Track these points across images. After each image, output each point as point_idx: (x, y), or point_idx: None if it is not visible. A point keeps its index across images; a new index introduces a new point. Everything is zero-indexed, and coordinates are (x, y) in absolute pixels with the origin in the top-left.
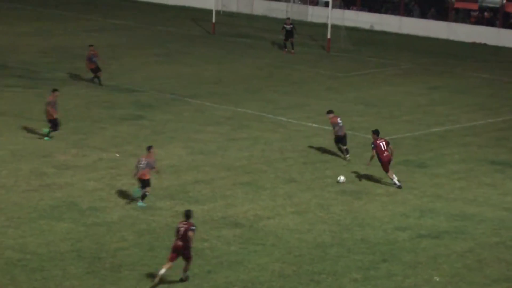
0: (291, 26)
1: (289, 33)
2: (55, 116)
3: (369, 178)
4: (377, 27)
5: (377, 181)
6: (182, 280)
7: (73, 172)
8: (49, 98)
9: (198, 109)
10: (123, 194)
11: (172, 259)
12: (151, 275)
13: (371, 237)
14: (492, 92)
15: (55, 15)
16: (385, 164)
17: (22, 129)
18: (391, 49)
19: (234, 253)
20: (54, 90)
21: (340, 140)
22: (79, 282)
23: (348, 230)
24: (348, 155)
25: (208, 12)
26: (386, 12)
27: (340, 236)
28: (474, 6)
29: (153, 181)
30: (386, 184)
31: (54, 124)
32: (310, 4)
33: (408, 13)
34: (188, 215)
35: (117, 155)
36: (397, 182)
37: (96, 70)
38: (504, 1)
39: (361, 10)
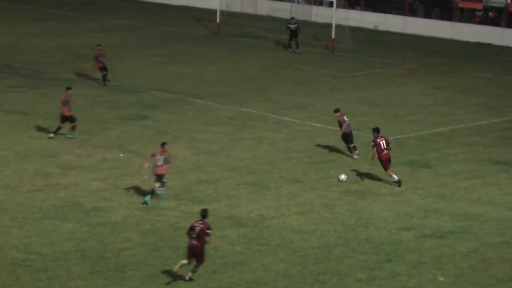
0: (296, 25)
1: (293, 33)
2: (66, 113)
3: (373, 178)
4: (382, 27)
5: (382, 181)
6: (187, 280)
7: (77, 172)
8: (62, 96)
9: (202, 109)
10: (127, 194)
11: (189, 259)
12: (156, 275)
13: (376, 237)
14: (497, 92)
15: (58, 15)
16: (384, 163)
17: (26, 129)
18: (395, 49)
19: (238, 253)
20: (68, 88)
21: (346, 137)
22: (84, 282)
23: (353, 230)
24: (356, 151)
25: (212, 12)
26: (390, 12)
27: (344, 236)
28: (479, 6)
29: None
30: (390, 184)
31: (69, 121)
32: (314, 4)
33: (412, 13)
34: (204, 214)
35: (121, 155)
36: (395, 177)
37: (102, 69)
38: (509, 1)
39: (365, 10)
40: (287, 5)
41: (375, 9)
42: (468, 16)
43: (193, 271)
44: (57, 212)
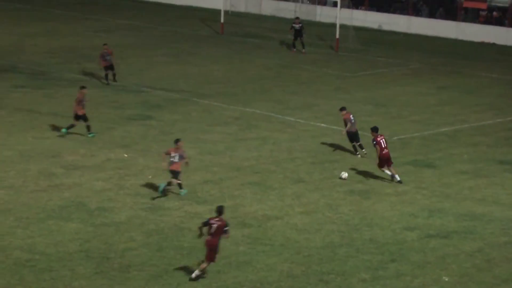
0: (300, 25)
1: (298, 33)
2: (80, 113)
3: (377, 178)
4: (386, 27)
5: (386, 181)
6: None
7: (81, 172)
8: (77, 95)
9: (206, 109)
10: (131, 194)
11: (210, 259)
12: (160, 275)
13: (380, 237)
14: (501, 91)
15: (63, 16)
16: (386, 161)
17: (30, 129)
18: (399, 49)
19: (242, 253)
20: (82, 87)
21: (352, 136)
22: (88, 282)
23: (357, 230)
24: (364, 150)
25: (217, 12)
26: (394, 12)
27: (348, 236)
28: (483, 6)
29: (161, 182)
30: (394, 184)
31: (82, 120)
32: (318, 4)
33: (416, 12)
34: (220, 211)
35: (126, 155)
36: (388, 172)
37: (107, 68)
38: None
39: (369, 9)
40: (291, 5)
41: (379, 9)
42: (472, 16)
43: (201, 268)
44: (61, 212)
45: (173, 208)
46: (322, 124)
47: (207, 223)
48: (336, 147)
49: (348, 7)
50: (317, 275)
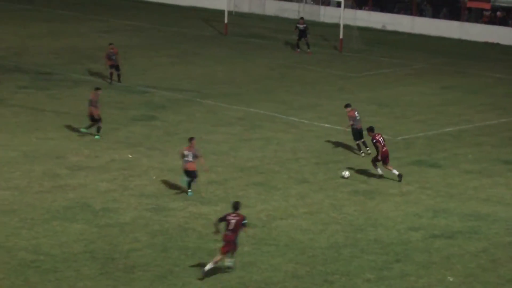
0: (304, 26)
1: (302, 33)
2: (95, 114)
3: (381, 178)
4: (390, 27)
5: (390, 181)
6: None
7: (85, 173)
8: (91, 96)
9: (210, 110)
10: (135, 195)
11: (225, 252)
12: (164, 276)
13: (384, 237)
14: (505, 91)
15: (67, 16)
16: (385, 158)
17: (35, 130)
18: (403, 49)
19: (247, 254)
20: (97, 88)
21: (357, 133)
22: (93, 283)
23: (361, 230)
24: (368, 148)
25: (220, 12)
26: (398, 12)
27: (353, 236)
28: (487, 6)
29: (165, 182)
30: (399, 184)
31: (95, 121)
32: (322, 5)
33: (420, 13)
34: (236, 206)
35: (130, 156)
36: (396, 172)
37: (112, 67)
38: None
39: (373, 10)
40: (295, 5)
41: (383, 9)
42: (476, 16)
43: (215, 262)
44: (66, 213)
45: (177, 209)
46: (326, 125)
47: (223, 219)
48: (340, 147)
49: (352, 7)
50: (322, 276)
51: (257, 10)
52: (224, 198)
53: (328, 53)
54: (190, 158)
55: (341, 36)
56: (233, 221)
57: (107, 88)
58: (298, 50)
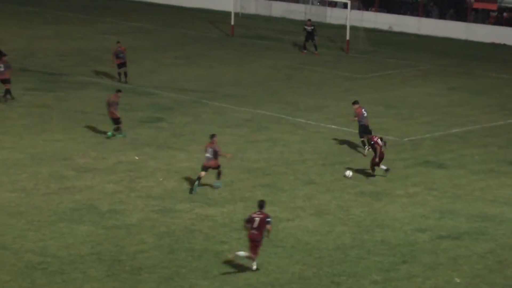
0: (312, 28)
1: (309, 35)
2: (115, 116)
3: (388, 179)
4: (396, 28)
5: (397, 182)
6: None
7: (92, 175)
8: (112, 98)
9: (217, 111)
10: (142, 196)
11: (255, 253)
12: (171, 278)
13: (391, 238)
14: None
15: (73, 19)
16: (381, 160)
17: (42, 132)
18: (410, 50)
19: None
20: (118, 91)
21: (364, 130)
22: (99, 285)
23: (368, 231)
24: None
25: (227, 14)
26: (404, 13)
27: (360, 237)
28: (493, 7)
29: (172, 184)
30: (406, 185)
31: (117, 122)
32: (328, 6)
33: (426, 14)
34: (261, 205)
35: (136, 157)
36: (384, 167)
37: (121, 65)
38: None
39: (379, 11)
40: (301, 6)
41: (389, 10)
42: (482, 17)
43: (253, 259)
44: (73, 215)
45: (184, 210)
46: (333, 126)
47: (250, 219)
48: (347, 148)
49: (358, 8)
50: (329, 277)
51: (263, 11)
52: (231, 199)
53: (334, 54)
54: (209, 155)
55: (347, 37)
56: (257, 219)
57: (114, 90)
58: (305, 51)
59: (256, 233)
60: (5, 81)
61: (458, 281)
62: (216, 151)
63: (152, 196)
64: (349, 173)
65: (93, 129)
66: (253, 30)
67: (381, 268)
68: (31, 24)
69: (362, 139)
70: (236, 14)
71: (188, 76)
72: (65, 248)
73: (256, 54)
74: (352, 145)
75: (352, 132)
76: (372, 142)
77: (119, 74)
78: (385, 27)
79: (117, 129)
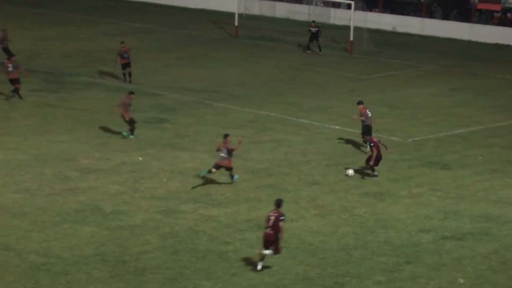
0: (317, 29)
1: (314, 36)
2: (127, 117)
3: (392, 180)
4: (400, 29)
5: (400, 183)
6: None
7: (96, 175)
8: (124, 99)
9: (220, 112)
10: (146, 197)
11: (266, 247)
12: (175, 278)
13: (395, 239)
14: None
15: (77, 20)
16: (377, 163)
17: (45, 133)
18: (413, 51)
19: (258, 256)
20: (131, 92)
21: (368, 130)
22: (103, 285)
23: (372, 232)
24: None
25: (231, 15)
26: (408, 14)
27: (363, 238)
28: (497, 7)
29: (175, 184)
30: (409, 185)
31: (131, 123)
32: (332, 7)
33: (430, 14)
34: (278, 203)
35: (140, 158)
36: (376, 173)
37: (125, 66)
38: None
39: (383, 12)
40: (305, 7)
41: (393, 11)
42: (486, 18)
43: (275, 252)
44: (77, 216)
45: (188, 211)
46: (337, 127)
47: (266, 218)
48: (350, 149)
49: (362, 9)
50: (333, 278)
51: (267, 12)
52: (235, 200)
53: (338, 55)
54: (224, 154)
55: (351, 38)
56: (272, 217)
57: (117, 91)
58: (308, 52)
59: (271, 232)
60: (14, 81)
61: (462, 281)
62: (231, 149)
63: (156, 197)
64: (350, 172)
65: (97, 130)
66: (257, 31)
67: (385, 269)
68: (35, 25)
69: (364, 138)
70: (240, 15)
71: (192, 77)
72: (69, 249)
73: (260, 55)
74: (356, 146)
75: (356, 133)
76: (372, 144)
77: (124, 74)
78: (388, 27)
79: (132, 130)
